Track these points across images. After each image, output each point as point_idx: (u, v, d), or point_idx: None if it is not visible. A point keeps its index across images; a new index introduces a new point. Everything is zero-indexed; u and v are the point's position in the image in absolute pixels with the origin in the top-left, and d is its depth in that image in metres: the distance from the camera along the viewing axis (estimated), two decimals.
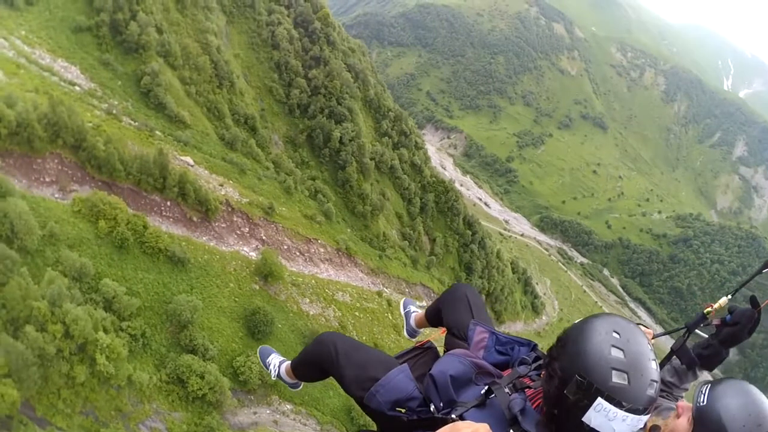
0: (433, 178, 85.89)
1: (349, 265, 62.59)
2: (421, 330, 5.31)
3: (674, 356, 3.40)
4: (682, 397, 3.43)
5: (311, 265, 56.77)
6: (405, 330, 5.43)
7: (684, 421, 2.71)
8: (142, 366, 37.51)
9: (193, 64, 55.99)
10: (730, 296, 3.35)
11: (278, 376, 4.91)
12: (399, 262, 72.47)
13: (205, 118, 54.72)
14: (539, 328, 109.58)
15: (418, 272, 76.46)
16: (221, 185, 50.24)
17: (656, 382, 2.20)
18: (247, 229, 50.43)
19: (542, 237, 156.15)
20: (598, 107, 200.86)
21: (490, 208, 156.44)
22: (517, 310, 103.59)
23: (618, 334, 2.23)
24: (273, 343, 43.44)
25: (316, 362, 3.83)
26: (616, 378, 2.14)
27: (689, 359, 3.31)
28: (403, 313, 5.49)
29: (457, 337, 3.69)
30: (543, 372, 2.54)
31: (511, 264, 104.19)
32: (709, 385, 2.67)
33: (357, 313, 56.17)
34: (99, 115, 45.61)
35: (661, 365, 3.13)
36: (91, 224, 38.79)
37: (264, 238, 51.92)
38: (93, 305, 34.91)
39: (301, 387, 5.04)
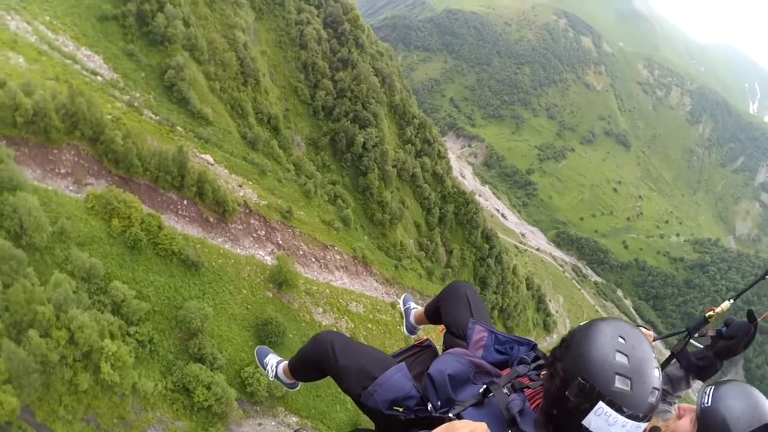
0: (454, 189, 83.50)
1: (364, 273, 60.62)
2: (421, 327, 5.28)
3: (671, 361, 3.38)
4: (675, 403, 3.29)
5: (326, 272, 54.85)
6: (404, 326, 5.43)
7: (686, 422, 2.71)
8: (147, 373, 35.64)
9: (219, 59, 54.25)
10: (732, 300, 3.40)
11: (276, 376, 4.86)
12: (414, 273, 70.34)
13: (228, 116, 52.94)
14: (549, 347, 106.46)
15: (434, 284, 74.21)
16: (240, 186, 48.38)
17: (658, 390, 2.15)
18: (264, 232, 48.58)
19: (558, 253, 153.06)
20: (622, 124, 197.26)
21: (507, 220, 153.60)
22: (529, 327, 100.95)
23: (623, 339, 2.17)
24: (283, 354, 41.37)
25: (314, 361, 3.77)
26: (619, 383, 2.09)
27: (689, 363, 3.27)
28: (402, 309, 5.51)
29: (456, 336, 3.64)
30: (545, 371, 2.50)
31: (526, 280, 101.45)
32: (713, 386, 2.65)
33: (370, 325, 54.12)
34: (120, 107, 43.83)
35: (662, 366, 2.92)
36: (104, 222, 36.99)
37: (280, 242, 50.07)
38: (101, 308, 33.13)
39: (298, 387, 5.02)
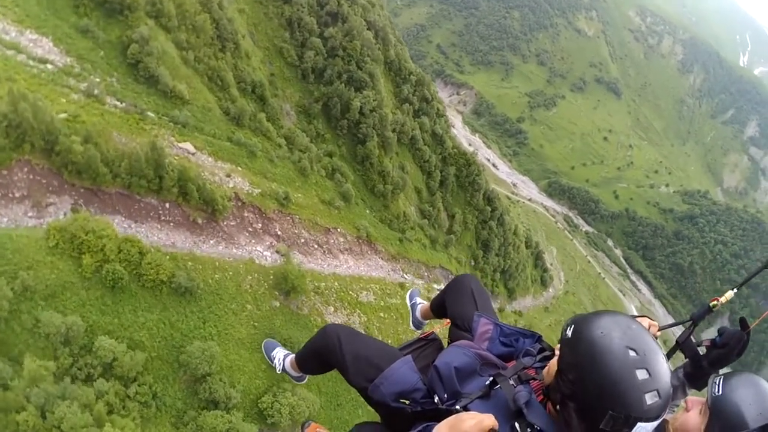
0: (455, 150, 76.33)
1: (369, 252, 54.41)
2: (427, 322, 5.14)
3: (675, 351, 3.30)
4: (674, 411, 3.07)
5: (330, 257, 48.43)
6: (411, 322, 5.30)
7: (695, 414, 2.69)
8: (157, 429, 29.32)
9: (190, 24, 44.79)
10: (735, 290, 3.26)
11: (283, 369, 4.72)
12: (419, 243, 64.38)
13: (207, 90, 44.19)
14: (547, 302, 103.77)
15: (437, 253, 68.65)
16: (228, 175, 40.49)
17: (670, 375, 2.14)
18: (260, 225, 41.46)
19: (549, 203, 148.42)
20: (613, 72, 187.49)
21: (498, 170, 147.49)
22: (528, 285, 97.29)
23: (634, 351, 2.06)
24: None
25: (321, 355, 3.68)
26: (650, 399, 2.03)
27: (693, 352, 3.21)
28: (409, 305, 5.39)
29: (461, 329, 3.58)
30: (560, 411, 2.31)
31: (525, 241, 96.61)
32: (722, 376, 2.64)
33: (382, 314, 48.30)
34: (76, 99, 34.87)
35: (667, 356, 2.54)
36: (74, 261, 29.24)
37: (279, 233, 43.08)
38: (90, 373, 26.44)
39: (306, 380, 4.87)
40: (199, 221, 36.94)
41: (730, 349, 3.06)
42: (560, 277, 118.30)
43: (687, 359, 3.27)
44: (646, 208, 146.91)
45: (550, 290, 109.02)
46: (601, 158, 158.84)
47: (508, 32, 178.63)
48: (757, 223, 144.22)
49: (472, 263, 78.27)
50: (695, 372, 3.21)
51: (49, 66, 35.36)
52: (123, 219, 33.86)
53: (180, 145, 38.29)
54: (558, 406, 2.32)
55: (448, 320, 3.91)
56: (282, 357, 4.78)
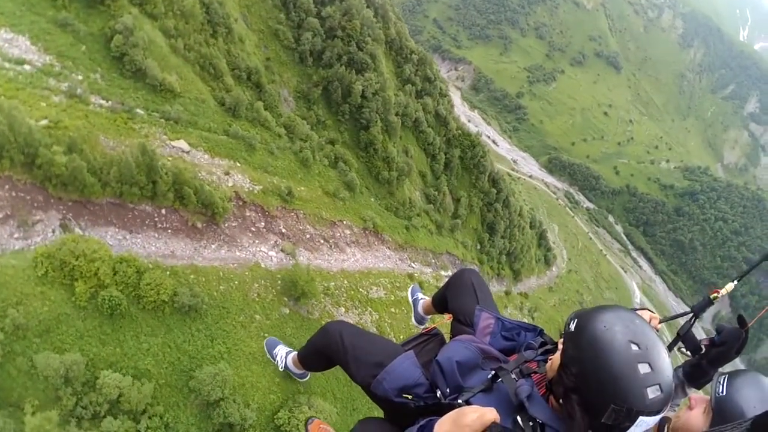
0: (459, 131, 72.83)
1: (376, 243, 51.52)
2: (429, 317, 5.11)
3: (677, 343, 3.23)
4: (675, 410, 3.07)
5: (337, 251, 45.49)
6: (413, 317, 5.27)
7: (698, 413, 2.63)
8: None
9: (178, 9, 40.53)
10: (735, 281, 3.22)
11: (285, 367, 4.70)
12: (425, 230, 61.51)
13: (199, 80, 40.31)
14: (550, 282, 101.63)
15: (444, 238, 65.86)
16: (227, 173, 36.97)
17: (672, 370, 2.13)
18: (263, 224, 38.29)
19: (550, 179, 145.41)
20: (612, 45, 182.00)
21: (498, 146, 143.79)
22: (532, 265, 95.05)
23: (636, 345, 2.06)
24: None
25: (323, 352, 3.67)
26: (652, 394, 2.02)
27: (694, 344, 3.16)
28: (411, 300, 5.36)
29: (463, 324, 3.55)
30: (563, 404, 2.30)
31: (530, 221, 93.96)
32: (726, 376, 2.60)
33: (393, 309, 45.53)
34: (57, 102, 30.77)
35: (669, 348, 2.75)
36: (66, 290, 25.73)
37: (283, 230, 39.91)
38: (96, 411, 23.62)
39: (309, 377, 4.87)
40: (199, 225, 33.72)
41: (729, 347, 2.96)
42: (563, 255, 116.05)
43: (687, 351, 3.16)
44: (646, 184, 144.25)
45: (554, 269, 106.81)
46: (602, 134, 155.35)
47: (506, 5, 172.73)
48: (758, 200, 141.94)
49: (478, 247, 75.71)
50: (695, 371, 3.12)
51: (27, 67, 31.12)
52: (117, 230, 30.51)
53: (173, 143, 34.71)
54: (561, 400, 2.27)
55: (450, 315, 3.85)
56: (284, 354, 4.70)
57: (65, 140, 28.40)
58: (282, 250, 39.66)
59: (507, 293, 77.64)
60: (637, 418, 2.01)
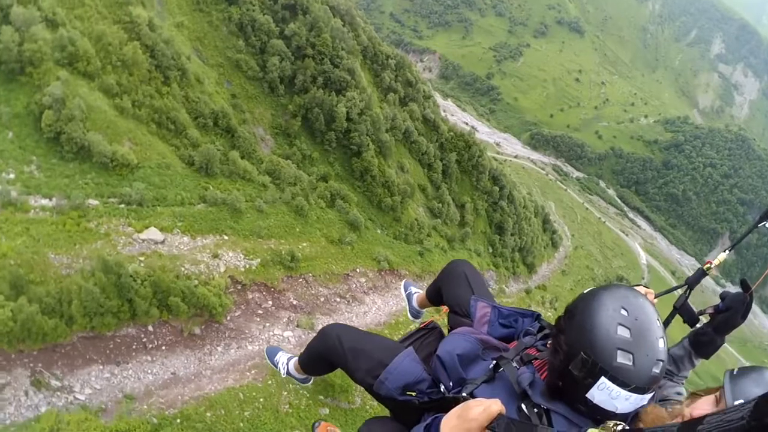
0: (451, 133, 65.23)
1: (394, 281, 43.74)
2: (424, 310, 4.99)
3: (673, 317, 3.14)
4: (682, 383, 3.01)
5: (356, 304, 37.71)
6: (408, 312, 5.14)
7: (708, 400, 2.32)
8: None
9: (118, 60, 31.83)
10: (728, 251, 3.13)
11: (288, 373, 4.51)
12: (438, 249, 54.08)
13: (158, 140, 31.72)
14: (561, 264, 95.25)
15: (457, 252, 58.49)
16: (216, 255, 28.56)
17: (662, 360, 2.03)
18: (270, 302, 30.16)
19: (535, 155, 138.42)
20: (572, 11, 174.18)
21: (478, 131, 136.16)
22: (543, 253, 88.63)
23: (626, 311, 2.02)
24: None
25: (323, 356, 3.53)
26: (621, 358, 1.96)
27: (691, 317, 3.08)
28: (404, 295, 5.19)
29: (459, 315, 3.49)
30: (550, 343, 2.36)
31: (534, 209, 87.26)
32: (737, 369, 2.40)
33: None
34: None
35: (665, 323, 2.62)
36: None
37: (294, 302, 31.74)
38: None
39: (311, 382, 4.67)
40: (197, 331, 25.69)
41: (734, 312, 2.86)
42: (566, 232, 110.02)
43: (686, 323, 3.10)
44: (630, 143, 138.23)
45: (561, 250, 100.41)
46: (577, 100, 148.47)
47: None
48: (742, 140, 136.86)
49: (490, 250, 68.58)
50: (701, 339, 2.98)
51: None
52: (101, 368, 22.33)
53: (142, 235, 26.30)
54: (550, 382, 2.24)
55: (446, 307, 3.75)
56: (285, 361, 4.52)
57: (6, 278, 20.01)
58: (298, 326, 31.70)
59: (527, 292, 70.96)
60: (600, 377, 1.95)
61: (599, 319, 2.01)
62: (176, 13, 42.95)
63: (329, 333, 3.40)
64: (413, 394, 2.81)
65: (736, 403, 2.03)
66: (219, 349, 26.64)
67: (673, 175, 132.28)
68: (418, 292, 5.00)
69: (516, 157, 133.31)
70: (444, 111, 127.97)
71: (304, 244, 35.43)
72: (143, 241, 26.26)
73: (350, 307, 37.30)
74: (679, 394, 2.91)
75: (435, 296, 4.16)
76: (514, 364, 2.45)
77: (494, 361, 2.54)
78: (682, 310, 3.09)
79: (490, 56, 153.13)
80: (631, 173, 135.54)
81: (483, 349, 2.77)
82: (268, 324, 29.81)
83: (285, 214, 36.07)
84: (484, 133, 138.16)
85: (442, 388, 2.71)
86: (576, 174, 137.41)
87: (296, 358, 4.37)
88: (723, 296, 2.95)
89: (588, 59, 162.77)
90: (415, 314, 5.04)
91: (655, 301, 2.93)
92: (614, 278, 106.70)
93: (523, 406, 2.24)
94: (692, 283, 3.21)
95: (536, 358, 2.47)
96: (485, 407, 2.00)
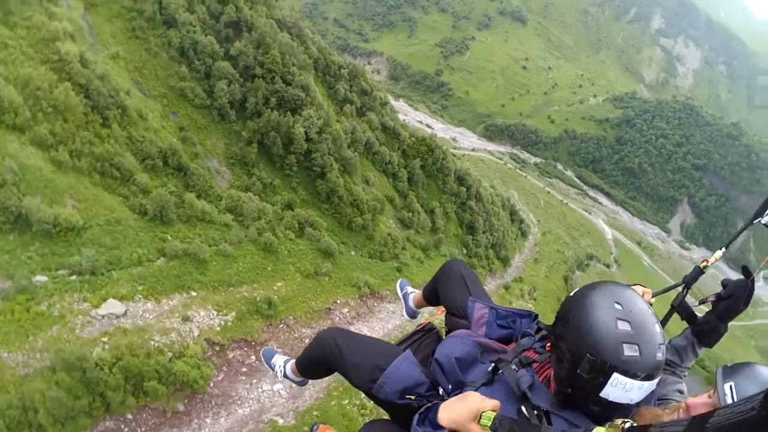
0: (413, 139, 63.34)
1: (376, 305, 41.39)
2: (421, 310, 4.85)
3: (671, 315, 3.16)
4: (685, 375, 3.00)
5: None
6: (404, 311, 5.02)
7: (702, 398, 2.39)
8: None
9: (49, 106, 27.93)
10: (723, 249, 3.14)
11: (285, 375, 4.43)
12: (415, 261, 52.11)
13: (104, 192, 27.99)
14: (533, 253, 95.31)
15: (434, 261, 56.59)
16: (186, 318, 25.02)
17: (663, 344, 2.05)
18: (253, 357, 27.03)
19: (492, 146, 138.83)
20: (513, 1, 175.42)
21: (433, 129, 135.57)
22: (514, 245, 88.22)
23: (620, 305, 2.04)
24: None
25: (320, 360, 3.44)
26: (628, 351, 1.96)
27: (689, 314, 3.06)
28: (400, 294, 5.07)
29: (456, 316, 3.41)
30: (551, 354, 2.29)
31: (501, 203, 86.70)
32: (721, 368, 2.46)
33: None
34: None
35: (662, 323, 2.56)
36: None
37: (278, 351, 29.11)
38: None
39: (308, 383, 4.56)
40: (181, 408, 22.51)
41: (736, 299, 2.85)
42: (532, 219, 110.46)
43: (684, 321, 3.09)
44: (582, 124, 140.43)
45: (530, 238, 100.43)
46: (527, 88, 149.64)
47: None
48: (690, 109, 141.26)
49: (465, 251, 67.18)
50: (704, 328, 2.96)
51: None
52: None
53: (100, 311, 22.64)
54: (552, 356, 2.23)
55: (443, 308, 3.72)
56: (282, 363, 4.44)
57: None
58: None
59: (506, 288, 70.02)
60: (611, 374, 1.94)
61: (596, 318, 1.98)
62: (110, 44, 38.96)
63: (326, 337, 3.30)
64: (412, 397, 2.74)
65: (730, 398, 2.14)
66: (208, 421, 23.51)
67: (628, 150, 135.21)
68: (414, 292, 4.85)
69: (473, 150, 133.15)
70: (397, 112, 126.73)
71: (279, 284, 32.48)
72: (103, 317, 22.77)
73: None
74: (680, 393, 2.84)
75: (432, 296, 4.05)
76: (513, 367, 2.42)
77: (493, 364, 2.50)
78: (680, 308, 3.05)
79: (437, 53, 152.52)
80: (586, 153, 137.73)
81: (482, 353, 2.72)
82: (255, 381, 26.80)
83: (254, 254, 33.00)
84: (439, 129, 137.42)
85: (441, 391, 2.67)
86: (533, 160, 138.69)
87: (293, 360, 4.25)
88: (725, 284, 2.89)
89: (533, 46, 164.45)
90: (412, 314, 4.90)
91: (653, 300, 2.84)
92: (584, 258, 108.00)
93: (523, 408, 2.21)
94: (689, 281, 3.08)
95: (535, 361, 2.44)
96: (482, 398, 2.04)
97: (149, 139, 33.67)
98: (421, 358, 3.02)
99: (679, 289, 3.15)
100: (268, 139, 42.51)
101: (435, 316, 3.90)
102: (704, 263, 3.05)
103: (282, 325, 30.18)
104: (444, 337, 3.29)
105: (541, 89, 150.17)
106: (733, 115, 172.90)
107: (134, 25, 39.55)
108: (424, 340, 3.40)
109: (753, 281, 2.82)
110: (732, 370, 2.37)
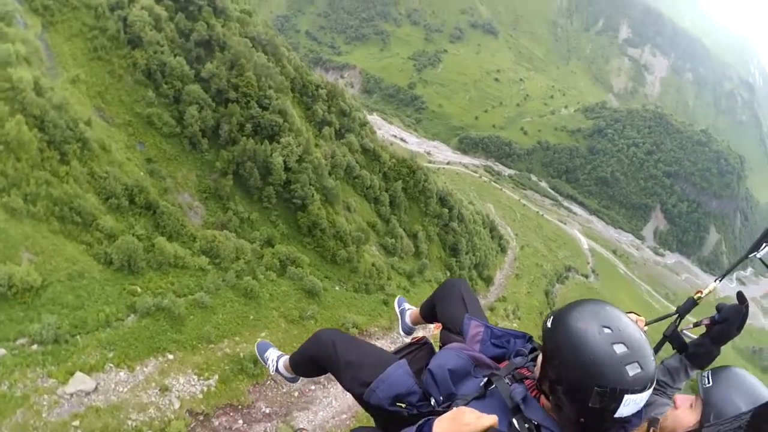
0: (394, 161, 61.12)
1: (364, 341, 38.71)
2: (417, 327, 4.83)
3: (666, 345, 3.15)
4: (664, 411, 2.88)
5: (332, 384, 31.88)
6: (400, 328, 4.92)
7: (685, 410, 2.54)
8: None
9: (1, 142, 24.85)
10: (718, 281, 3.13)
11: (276, 370, 4.36)
12: (401, 290, 49.67)
13: (64, 239, 24.48)
14: (513, 269, 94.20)
15: (418, 288, 54.36)
16: (164, 389, 21.76)
17: (652, 350, 2.09)
18: (242, 421, 23.86)
19: (466, 159, 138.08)
20: (484, 13, 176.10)
21: (407, 143, 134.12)
22: (495, 262, 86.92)
23: (609, 328, 2.02)
24: None
25: (315, 359, 3.41)
26: (632, 371, 1.97)
27: (680, 344, 3.06)
28: (398, 311, 5.01)
29: (452, 332, 3.38)
30: (550, 399, 2.22)
31: (482, 221, 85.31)
32: (709, 370, 2.58)
33: None
34: None
35: (655, 350, 2.60)
36: None
37: (267, 410, 25.45)
38: None
39: (299, 381, 4.61)
40: None
41: (730, 324, 2.87)
42: (509, 233, 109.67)
43: (675, 350, 3.09)
44: (555, 135, 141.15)
45: (510, 253, 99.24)
46: (499, 100, 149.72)
47: (374, 0, 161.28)
48: (659, 117, 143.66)
49: (448, 274, 65.19)
50: (698, 351, 2.96)
51: None
52: None
53: (68, 389, 19.27)
54: (550, 397, 2.21)
55: (438, 324, 3.70)
56: (275, 358, 4.36)
57: None
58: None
59: (491, 309, 68.33)
60: (623, 397, 1.96)
61: (591, 349, 1.96)
62: (70, 66, 35.21)
63: (324, 337, 3.26)
64: (403, 405, 2.72)
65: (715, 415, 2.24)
66: None
67: (600, 160, 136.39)
68: (412, 308, 4.80)
69: (448, 163, 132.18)
70: (374, 127, 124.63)
71: (263, 334, 29.36)
72: (71, 396, 19.32)
73: (326, 391, 31.62)
74: (665, 405, 2.84)
75: (429, 313, 4.02)
76: (507, 381, 2.41)
77: (485, 378, 2.49)
78: (672, 337, 3.07)
79: (410, 66, 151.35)
80: (559, 163, 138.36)
81: (474, 367, 2.70)
82: None
83: (233, 302, 29.82)
84: (413, 143, 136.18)
85: (432, 401, 2.65)
86: (507, 172, 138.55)
87: (287, 356, 4.18)
88: (719, 308, 2.92)
89: (504, 58, 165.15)
90: (408, 331, 4.75)
91: (645, 328, 2.85)
92: (563, 270, 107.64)
93: (515, 421, 2.20)
94: (683, 312, 3.12)
95: (527, 378, 2.42)
96: (478, 416, 1.98)
97: (113, 175, 30.17)
98: (414, 370, 2.90)
99: (672, 318, 3.11)
100: (245, 170, 39.41)
101: (432, 332, 3.78)
102: (698, 294, 3.05)
103: (269, 382, 27.10)
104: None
105: (513, 101, 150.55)
106: (702, 121, 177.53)
107: (96, 45, 35.97)
108: (418, 352, 3.24)
109: (747, 307, 2.80)
110: (714, 377, 2.38)
